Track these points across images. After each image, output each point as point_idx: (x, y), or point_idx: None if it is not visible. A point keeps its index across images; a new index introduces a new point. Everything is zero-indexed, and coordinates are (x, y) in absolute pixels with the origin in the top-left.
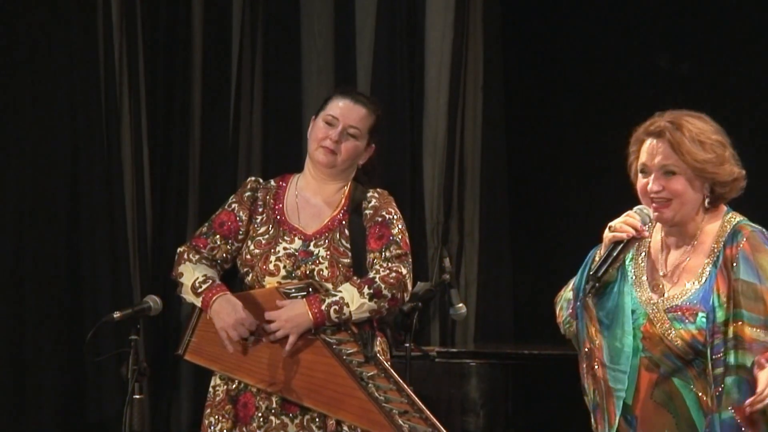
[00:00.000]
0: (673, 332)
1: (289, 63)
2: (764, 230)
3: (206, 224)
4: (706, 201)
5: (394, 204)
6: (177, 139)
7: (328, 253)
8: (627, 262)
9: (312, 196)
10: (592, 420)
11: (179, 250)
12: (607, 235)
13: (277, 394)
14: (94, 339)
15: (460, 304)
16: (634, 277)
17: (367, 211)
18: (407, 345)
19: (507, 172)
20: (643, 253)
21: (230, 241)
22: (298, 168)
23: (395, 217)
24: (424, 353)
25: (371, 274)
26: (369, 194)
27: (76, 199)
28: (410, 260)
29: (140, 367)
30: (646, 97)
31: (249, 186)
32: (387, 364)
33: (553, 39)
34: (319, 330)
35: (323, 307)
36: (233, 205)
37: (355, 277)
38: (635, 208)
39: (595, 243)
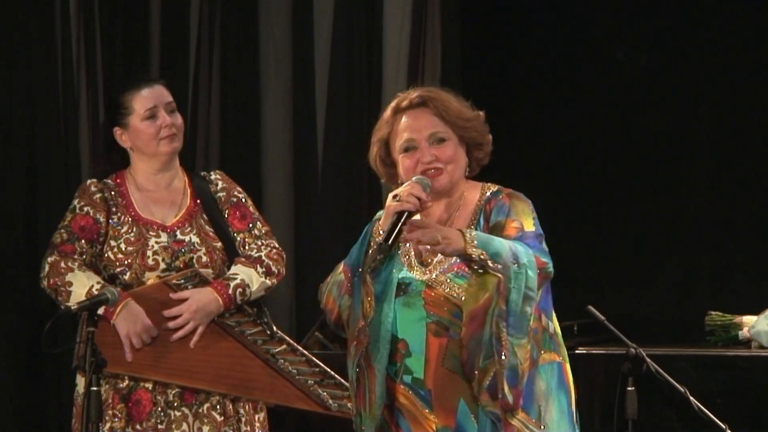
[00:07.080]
0: (457, 288)
1: (247, 54)
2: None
3: (62, 231)
4: (467, 168)
5: (234, 182)
6: None
7: (200, 239)
8: None
9: (155, 189)
10: (353, 399)
11: (50, 260)
12: (392, 204)
13: (177, 386)
14: (51, 330)
15: None
16: (399, 251)
17: (220, 194)
18: None
19: None
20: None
21: (94, 245)
22: (257, 162)
23: (245, 195)
24: None
25: (254, 254)
26: (212, 177)
27: (33, 191)
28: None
29: (97, 359)
30: (605, 90)
31: (94, 188)
32: (288, 338)
33: (511, 32)
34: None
35: (230, 292)
36: (86, 209)
37: (241, 258)
38: (414, 178)
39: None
